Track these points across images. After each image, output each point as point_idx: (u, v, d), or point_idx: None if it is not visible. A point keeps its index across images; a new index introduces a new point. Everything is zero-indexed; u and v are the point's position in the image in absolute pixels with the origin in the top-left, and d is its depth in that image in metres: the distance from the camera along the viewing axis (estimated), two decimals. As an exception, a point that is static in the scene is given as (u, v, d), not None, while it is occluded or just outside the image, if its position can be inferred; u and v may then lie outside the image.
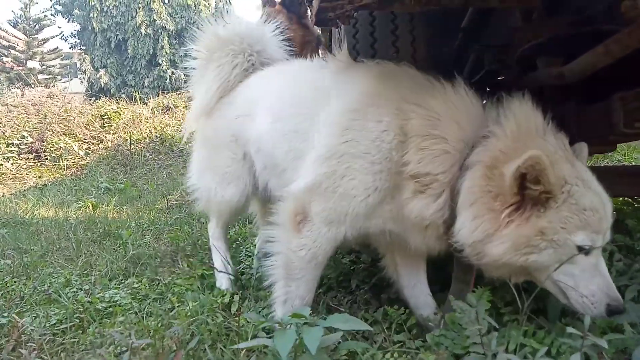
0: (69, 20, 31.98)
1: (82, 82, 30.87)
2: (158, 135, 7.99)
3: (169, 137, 8.25)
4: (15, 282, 2.40)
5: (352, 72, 1.71)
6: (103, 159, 6.70)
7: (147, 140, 7.75)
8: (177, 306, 1.96)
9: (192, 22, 32.04)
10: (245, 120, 2.01)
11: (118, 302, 2.10)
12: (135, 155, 6.94)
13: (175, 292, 2.23)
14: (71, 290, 2.25)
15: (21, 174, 6.25)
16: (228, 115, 2.11)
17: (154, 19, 31.53)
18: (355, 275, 2.17)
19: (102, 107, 8.50)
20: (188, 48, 2.37)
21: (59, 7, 30.43)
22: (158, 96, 14.62)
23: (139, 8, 31.03)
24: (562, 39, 1.94)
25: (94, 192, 5.20)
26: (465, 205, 1.38)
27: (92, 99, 11.34)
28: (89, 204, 4.43)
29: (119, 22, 31.91)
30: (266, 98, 1.94)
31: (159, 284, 2.41)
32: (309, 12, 3.72)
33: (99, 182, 5.66)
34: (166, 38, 32.29)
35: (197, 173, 2.34)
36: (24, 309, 2.02)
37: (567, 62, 2.06)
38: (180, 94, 14.55)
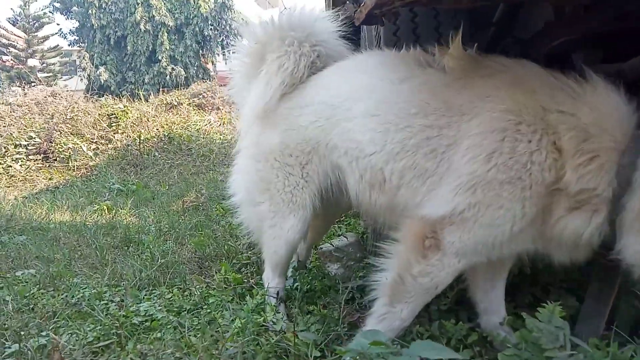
0: (67, 17, 31.68)
1: (81, 79, 30.69)
2: (166, 134, 7.89)
3: (177, 135, 8.15)
4: (42, 293, 2.32)
5: (480, 79, 1.49)
6: (112, 159, 6.60)
7: (155, 139, 7.64)
8: (219, 321, 1.87)
9: (191, 17, 31.90)
10: (326, 126, 1.70)
11: (154, 316, 2.01)
12: (144, 155, 6.84)
13: (211, 303, 2.15)
14: (102, 303, 2.16)
15: (31, 176, 6.15)
16: (298, 122, 1.78)
17: (153, 15, 31.29)
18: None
19: (109, 106, 8.39)
20: (233, 45, 2.17)
21: (57, 4, 30.14)
22: (159, 93, 14.51)
23: (138, 4, 30.71)
24: (600, 35, 1.85)
25: (107, 194, 5.10)
26: (631, 225, 1.25)
27: (95, 96, 11.19)
28: (104, 207, 4.33)
29: (117, 19, 31.64)
30: (360, 101, 1.64)
31: (190, 294, 2.32)
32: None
33: (110, 183, 5.57)
34: (165, 34, 32.02)
35: (244, 193, 2.00)
36: (59, 325, 1.93)
37: (606, 58, 1.98)
38: (184, 91, 14.52)
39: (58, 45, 27.65)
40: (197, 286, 2.40)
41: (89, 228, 3.58)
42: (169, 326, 1.91)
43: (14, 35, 21.70)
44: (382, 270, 1.54)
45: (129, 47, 32.26)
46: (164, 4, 31.44)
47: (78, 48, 32.11)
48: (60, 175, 6.21)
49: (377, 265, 1.56)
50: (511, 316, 1.64)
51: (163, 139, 7.72)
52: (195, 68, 33.28)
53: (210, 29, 33.03)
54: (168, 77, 31.83)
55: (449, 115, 1.47)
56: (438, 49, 1.60)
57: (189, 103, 12.97)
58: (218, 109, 12.83)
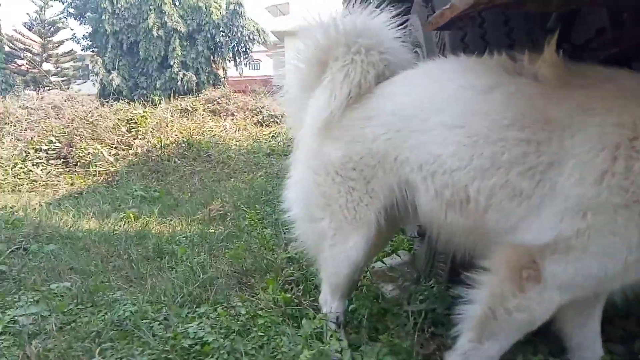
0: (80, 22, 31.98)
1: (94, 84, 30.90)
2: (185, 140, 7.80)
3: (195, 142, 8.06)
4: (81, 309, 2.20)
5: (581, 89, 1.36)
6: (133, 165, 6.51)
7: (173, 145, 7.55)
8: (282, 347, 1.73)
9: (203, 24, 32.07)
10: (396, 139, 1.57)
11: (204, 339, 1.87)
12: (164, 161, 6.75)
13: (260, 325, 2.01)
14: (145, 322, 2.04)
15: (52, 181, 6.07)
16: (363, 135, 1.64)
17: (165, 21, 31.53)
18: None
19: (127, 111, 8.34)
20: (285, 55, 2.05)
21: (71, 10, 30.39)
22: (170, 99, 14.50)
23: (151, 10, 31.01)
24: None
25: (130, 201, 4.99)
26: None
27: (112, 101, 11.16)
28: (130, 215, 4.22)
29: (130, 25, 31.90)
30: (439, 111, 1.50)
31: (236, 313, 2.19)
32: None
33: (133, 190, 5.47)
34: (177, 40, 32.26)
35: (301, 208, 1.85)
36: (104, 347, 1.80)
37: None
38: (198, 96, 14.50)
39: (72, 50, 27.88)
40: (241, 305, 2.26)
41: (119, 237, 3.47)
42: (222, 351, 1.78)
43: (30, 39, 21.87)
44: (469, 302, 1.39)
45: (141, 53, 32.53)
46: (177, 10, 31.71)
47: (91, 53, 32.41)
48: (81, 180, 6.13)
49: (462, 295, 1.41)
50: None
51: (182, 145, 7.63)
52: (207, 74, 33.48)
53: (222, 35, 33.24)
54: (179, 82, 32.01)
55: (549, 130, 1.32)
56: (528, 56, 1.46)
57: (204, 109, 12.95)
58: (232, 115, 12.78)
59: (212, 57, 33.78)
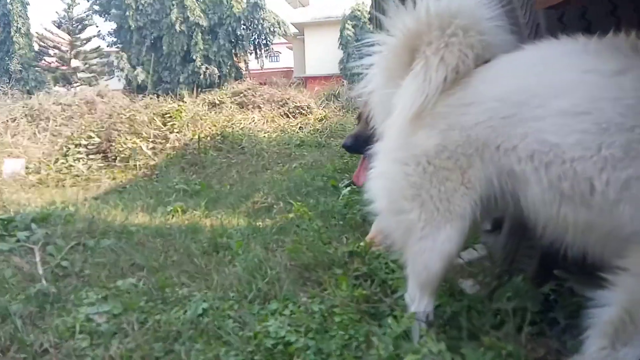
0: (105, 19, 32.40)
1: (119, 79, 31.32)
2: (219, 133, 7.79)
3: (229, 134, 8.04)
4: (151, 307, 2.15)
5: None
6: (171, 158, 6.52)
7: (208, 138, 7.55)
8: (366, 348, 1.65)
9: (224, 17, 32.09)
10: (500, 126, 1.45)
11: (286, 339, 1.80)
12: (201, 154, 6.74)
13: (339, 323, 1.93)
14: (220, 318, 1.98)
15: (94, 176, 6.12)
16: (461, 122, 1.53)
17: (188, 16, 31.68)
18: (559, 307, 1.81)
19: (158, 105, 8.36)
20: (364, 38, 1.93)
21: (97, 7, 30.77)
22: (193, 92, 14.55)
23: (173, 5, 31.23)
24: None
25: (173, 195, 4.98)
26: None
27: (139, 96, 11.21)
28: (178, 209, 4.20)
29: (153, 20, 32.20)
30: (557, 97, 1.37)
31: (307, 310, 2.12)
32: None
33: (174, 183, 5.47)
34: (199, 34, 32.43)
35: (387, 200, 1.74)
36: (187, 347, 1.75)
37: None
38: (224, 89, 14.50)
39: (99, 46, 28.27)
40: (312, 301, 2.19)
41: (172, 231, 3.44)
42: (307, 351, 1.71)
43: (59, 37, 22.22)
44: (600, 305, 1.27)
45: (164, 48, 32.86)
46: (198, 4, 31.83)
47: (116, 49, 32.83)
48: (123, 174, 6.17)
49: (593, 298, 1.30)
50: None
51: (216, 137, 7.62)
52: (228, 67, 33.68)
53: (243, 28, 33.29)
54: (202, 76, 32.31)
55: None
56: None
57: (231, 102, 12.97)
58: (259, 107, 12.76)
59: (233, 50, 33.90)
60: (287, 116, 12.45)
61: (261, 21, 33.15)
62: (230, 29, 32.66)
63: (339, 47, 30.74)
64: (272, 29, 33.69)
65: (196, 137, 6.90)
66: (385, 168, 1.77)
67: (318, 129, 10.55)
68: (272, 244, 3.18)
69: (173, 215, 4.12)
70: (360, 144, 3.26)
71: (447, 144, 1.57)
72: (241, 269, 2.66)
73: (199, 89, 19.53)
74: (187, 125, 7.42)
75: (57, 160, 6.41)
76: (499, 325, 1.80)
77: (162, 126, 7.25)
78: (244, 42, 33.84)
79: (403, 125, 1.66)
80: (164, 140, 6.93)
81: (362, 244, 2.81)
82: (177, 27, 32.04)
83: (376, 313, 2.02)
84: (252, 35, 33.73)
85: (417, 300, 1.73)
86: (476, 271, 2.14)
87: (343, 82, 19.87)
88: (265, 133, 9.69)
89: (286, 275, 2.52)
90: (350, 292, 2.13)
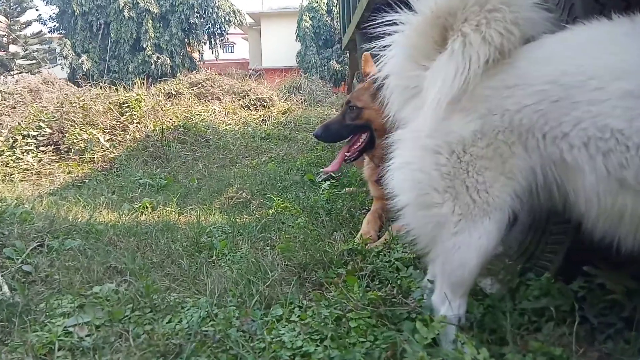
0: (47, 2, 30.47)
1: (62, 68, 29.52)
2: (181, 125, 7.39)
3: (192, 126, 7.66)
4: (139, 316, 1.90)
5: None
6: (132, 151, 6.09)
7: (171, 129, 7.15)
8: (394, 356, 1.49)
9: (177, 4, 30.91)
10: (550, 110, 1.34)
11: (304, 349, 1.62)
12: (164, 146, 6.35)
13: (355, 329, 1.77)
14: (223, 327, 1.76)
15: (46, 170, 5.60)
16: (504, 106, 1.41)
17: (137, 2, 30.30)
18: (590, 305, 1.73)
19: (116, 94, 7.84)
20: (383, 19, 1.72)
21: (37, -12, 28.82)
22: (144, 82, 13.92)
23: (121, -10, 29.83)
24: None
25: (139, 190, 4.64)
26: None
27: (87, 85, 10.52)
28: (147, 205, 3.89)
29: (100, 5, 30.58)
30: (619, 79, 1.26)
31: (316, 315, 1.94)
32: None
33: (137, 177, 5.10)
34: (150, 22, 31.14)
35: (414, 192, 1.58)
36: (194, 364, 1.53)
37: None
38: (182, 79, 13.93)
39: (41, 31, 26.49)
40: (318, 304, 2.02)
41: (145, 230, 3.15)
42: (329, 363, 1.53)
43: (-4, 19, 20.62)
44: None
45: (112, 35, 31.39)
46: (149, -10, 30.52)
47: (58, 35, 30.93)
48: (79, 168, 5.68)
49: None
50: None
51: (178, 129, 7.22)
52: (181, 57, 32.63)
53: (196, 17, 32.30)
54: (153, 66, 31.14)
55: None
56: None
57: (190, 92, 12.48)
58: (219, 99, 12.36)
59: (186, 40, 32.80)
60: (249, 108, 12.12)
61: (216, 10, 32.27)
62: (183, 16, 31.59)
63: (296, 39, 30.43)
64: (227, 18, 32.91)
65: (158, 128, 6.49)
66: (412, 157, 1.60)
67: (282, 122, 10.30)
68: (258, 243, 2.97)
69: (142, 212, 3.80)
70: (331, 134, 3.21)
71: (486, 130, 1.45)
72: (231, 270, 2.44)
73: (150, 80, 18.69)
74: (148, 116, 6.98)
75: (2, 152, 5.84)
76: (528, 326, 1.70)
77: (120, 116, 6.78)
78: (198, 31, 32.88)
79: (436, 110, 1.50)
80: (122, 132, 6.48)
81: (358, 241, 2.66)
82: (125, 13, 30.67)
83: (392, 316, 1.87)
84: (206, 24, 32.80)
85: (449, 302, 1.60)
86: (495, 269, 2.03)
87: (301, 74, 19.62)
88: (227, 125, 9.35)
89: (285, 277, 2.32)
90: (362, 294, 1.97)
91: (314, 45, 30.05)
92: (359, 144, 3.20)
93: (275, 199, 3.92)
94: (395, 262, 2.37)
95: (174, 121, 7.40)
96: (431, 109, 1.51)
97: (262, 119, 10.87)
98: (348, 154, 3.22)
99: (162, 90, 12.11)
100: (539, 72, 1.40)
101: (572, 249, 1.86)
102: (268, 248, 2.86)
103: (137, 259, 2.55)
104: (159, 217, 3.64)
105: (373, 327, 1.80)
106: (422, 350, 1.52)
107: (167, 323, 1.84)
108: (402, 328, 1.78)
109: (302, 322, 1.85)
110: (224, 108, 11.40)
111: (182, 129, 7.18)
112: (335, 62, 28.96)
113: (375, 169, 3.41)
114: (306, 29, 30.09)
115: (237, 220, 3.55)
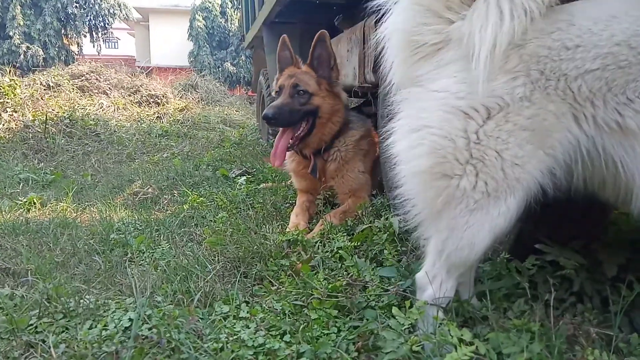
0: None
1: None
2: (67, 117, 6.57)
3: (79, 119, 6.85)
4: (49, 324, 1.53)
5: None
6: (8, 143, 5.22)
7: (54, 121, 6.30)
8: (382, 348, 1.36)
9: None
10: (616, 76, 1.20)
11: (267, 346, 1.41)
12: (48, 139, 5.55)
13: (316, 321, 1.60)
14: (163, 329, 1.47)
15: None
16: (559, 69, 1.25)
17: (2, -16, 26.90)
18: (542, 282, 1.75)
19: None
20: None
21: None
22: (9, 73, 12.36)
23: (-16, -31, 26.33)
24: None
25: (20, 186, 3.96)
26: None
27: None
28: (35, 201, 3.31)
29: (-43, -15, 26.57)
30: None
31: (264, 308, 1.74)
32: (340, 78, 3.18)
33: (16, 172, 4.37)
34: (18, 7, 27.86)
35: (430, 159, 1.37)
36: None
37: None
38: (62, 71, 12.53)
39: None
40: (268, 299, 1.82)
41: (38, 228, 2.65)
42: (302, 359, 1.35)
43: None
44: None
45: (-29, 19, 27.46)
46: (18, -28, 27.42)
47: None
48: (-61, 161, 4.72)
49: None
50: None
51: (64, 121, 6.40)
52: (57, 49, 29.58)
53: (75, 6, 29.58)
54: (22, 56, 27.87)
55: None
56: None
57: (72, 85, 11.26)
58: (105, 93, 11.33)
59: (63, 31, 29.83)
60: (141, 105, 11.27)
61: (98, 1, 29.80)
62: (59, 5, 28.67)
63: (188, 39, 29.22)
64: (111, 11, 30.56)
65: (39, 119, 5.67)
66: (433, 120, 1.38)
67: (179, 120, 9.73)
68: (180, 238, 2.66)
69: (29, 209, 3.23)
70: (284, 117, 2.95)
71: (537, 97, 1.27)
72: (155, 268, 2.12)
73: (19, 72, 16.51)
74: (25, 105, 6.08)
75: None
76: (495, 306, 1.67)
77: (-10, 104, 5.82)
78: (77, 22, 30.06)
79: (480, 68, 1.29)
80: (-6, 121, 5.55)
81: (296, 232, 2.49)
82: (-12, -4, 27.00)
83: (351, 305, 1.73)
84: (87, 16, 30.13)
85: (441, 283, 1.46)
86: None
87: (195, 75, 18.80)
88: (117, 121, 8.57)
89: (220, 272, 2.07)
90: (324, 284, 1.81)
91: (207, 45, 29.09)
92: (299, 131, 3.01)
93: (190, 193, 3.59)
94: (339, 252, 2.25)
95: (58, 112, 6.54)
96: (476, 59, 1.30)
97: (157, 116, 10.18)
98: (292, 141, 3.01)
99: (37, 81, 10.76)
100: (606, 32, 1.24)
101: (521, 229, 1.90)
102: (191, 243, 2.57)
103: (37, 259, 2.10)
104: (52, 214, 3.11)
105: (335, 318, 1.65)
106: (396, 336, 1.41)
107: (89, 329, 1.50)
108: (365, 317, 1.67)
109: (255, 317, 1.63)
110: (112, 103, 10.46)
111: (68, 121, 6.37)
112: (230, 64, 28.31)
113: (302, 161, 3.27)
114: (199, 29, 29.03)
115: (149, 216, 3.17)
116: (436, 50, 1.41)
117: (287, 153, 3.42)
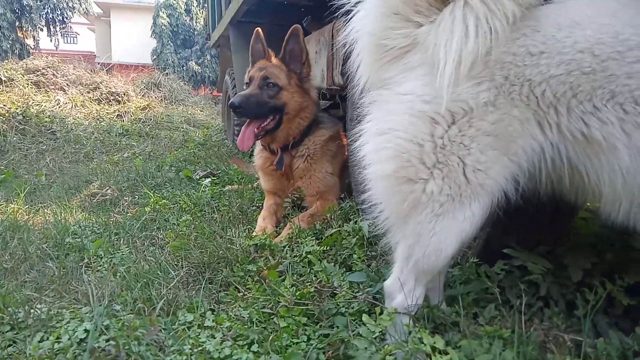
0: None
1: None
2: (20, 113, 6.24)
3: (33, 115, 6.53)
4: (13, 342, 1.41)
5: None
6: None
7: (6, 117, 5.97)
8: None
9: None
10: (581, 82, 1.19)
11: (234, 356, 1.34)
12: (-1, 136, 5.26)
13: (286, 328, 1.55)
14: (122, 340, 1.38)
15: None
16: (523, 75, 1.24)
17: (-48, -30, 25.46)
18: (509, 286, 1.76)
19: None
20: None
21: None
22: None
23: None
24: None
25: (-34, 185, 3.72)
26: None
27: None
28: (-19, 202, 3.11)
29: None
30: None
31: (231, 317, 1.67)
32: (311, 75, 3.16)
33: (-39, 170, 4.10)
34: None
35: (395, 163, 1.35)
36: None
37: None
38: (15, 64, 11.95)
39: None
40: (234, 306, 1.75)
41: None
42: (270, 370, 1.29)
43: None
44: None
45: None
46: (-32, -41, 26.13)
47: None
48: None
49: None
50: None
51: (16, 118, 6.08)
52: (11, 42, 28.27)
53: (32, -2, 28.41)
54: (-25, 49, 26.46)
55: None
56: None
57: (26, 80, 10.74)
58: (63, 89, 10.88)
59: (17, 23, 28.53)
60: (100, 102, 10.88)
61: (55, -7, 28.68)
62: (13, -5, 27.40)
63: (151, 36, 28.49)
64: (70, 5, 29.45)
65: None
66: (399, 124, 1.36)
67: (141, 119, 9.45)
68: (140, 242, 2.54)
69: (-28, 210, 3.02)
70: (251, 108, 2.90)
71: (499, 102, 1.26)
72: (113, 274, 2.01)
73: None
74: (-28, 99, 5.73)
75: None
76: (465, 311, 1.66)
77: None
78: (33, 15, 28.80)
79: (445, 74, 1.27)
80: None
81: (263, 236, 2.42)
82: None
83: (320, 313, 1.69)
84: (44, 8, 28.94)
85: (410, 290, 1.43)
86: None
87: (158, 73, 18.33)
88: (74, 119, 8.22)
89: (184, 278, 1.99)
90: (292, 291, 1.76)
91: (171, 44, 28.45)
92: (266, 123, 2.96)
93: (152, 195, 3.46)
94: (308, 256, 2.20)
95: (10, 108, 6.21)
96: (441, 72, 1.28)
97: (118, 114, 9.85)
98: (257, 131, 2.95)
99: (-14, 75, 10.20)
100: (569, 39, 1.23)
101: (490, 234, 1.91)
102: (153, 248, 2.46)
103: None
104: (1, 216, 2.92)
105: (304, 326, 1.60)
106: (367, 344, 1.37)
107: (39, 342, 1.39)
108: (335, 324, 1.63)
109: (221, 326, 1.56)
110: (70, 100, 10.04)
111: (22, 118, 6.05)
112: (194, 63, 27.80)
113: (270, 157, 3.20)
114: (163, 26, 28.35)
115: (107, 219, 3.02)
116: (404, 52, 1.39)
117: (256, 149, 3.36)
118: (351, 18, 1.50)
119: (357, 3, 1.47)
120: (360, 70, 1.51)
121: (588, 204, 1.82)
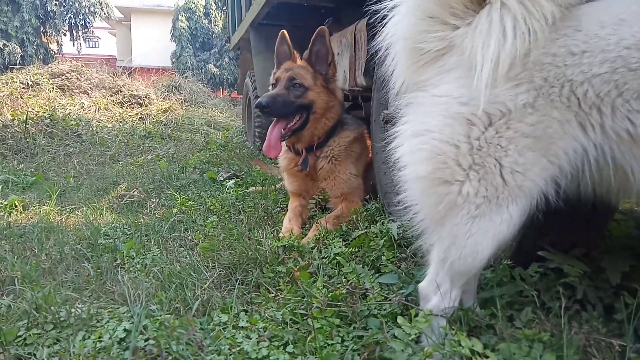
0: None
1: None
2: (48, 116, 6.39)
3: (59, 119, 6.68)
4: (39, 335, 1.45)
5: None
6: (-16, 142, 5.05)
7: (35, 121, 6.12)
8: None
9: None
10: (627, 81, 1.16)
11: (270, 357, 1.36)
12: (28, 139, 5.39)
13: (320, 330, 1.56)
14: (163, 340, 1.41)
15: None
16: (564, 75, 1.22)
17: (-22, -21, 26.21)
18: (545, 289, 1.74)
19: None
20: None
21: None
22: None
23: (-42, -36, 25.65)
24: None
25: (1, 188, 3.82)
26: None
27: None
28: (17, 204, 3.19)
29: None
30: None
31: (264, 317, 1.68)
32: (337, 75, 3.17)
33: (-6, 173, 4.22)
34: (-6, 3, 27.15)
35: (431, 164, 1.34)
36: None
37: None
38: (41, 69, 12.24)
39: None
40: (267, 307, 1.77)
41: (21, 232, 2.54)
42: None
43: None
44: None
45: (-55, 14, 26.74)
46: (-5, -32, 26.84)
47: None
48: None
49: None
50: None
51: (44, 121, 6.22)
52: (35, 47, 28.96)
53: (55, 4, 29.02)
54: (-1, 55, 27.16)
55: None
56: None
57: (51, 84, 10.99)
58: (86, 93, 11.10)
59: (42, 29, 29.21)
60: (123, 105, 11.07)
61: (78, -1, 29.27)
62: (38, 2, 28.06)
63: (171, 39, 28.88)
64: (92, 10, 30.05)
65: (19, 118, 5.50)
66: (435, 125, 1.35)
67: (162, 121, 9.57)
68: (170, 243, 2.58)
69: (10, 212, 3.11)
70: (278, 107, 2.93)
71: (540, 104, 1.24)
72: (146, 274, 2.05)
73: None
74: (4, 104, 5.89)
75: None
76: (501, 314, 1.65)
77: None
78: (57, 20, 29.46)
79: (483, 76, 1.26)
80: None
81: (291, 238, 2.43)
82: (-36, -9, 26.31)
83: (353, 314, 1.69)
84: (67, 14, 29.56)
85: (446, 292, 1.43)
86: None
87: (178, 76, 18.56)
88: (98, 122, 8.38)
89: (216, 279, 2.01)
90: (325, 292, 1.77)
91: (190, 46, 28.80)
92: (292, 123, 2.99)
93: (178, 196, 3.51)
94: (337, 258, 2.20)
95: (38, 112, 6.36)
96: (478, 74, 1.27)
97: (140, 117, 10.01)
98: (284, 132, 2.98)
99: (15, 80, 10.47)
100: (614, 37, 1.20)
101: (523, 236, 1.89)
102: (183, 249, 2.50)
103: (23, 265, 2.01)
104: (35, 218, 2.99)
105: (338, 327, 1.61)
106: (403, 347, 1.37)
107: (82, 340, 1.43)
108: (368, 326, 1.63)
109: (256, 327, 1.58)
110: (94, 103, 10.25)
111: (49, 121, 6.20)
112: (213, 66, 28.08)
113: (294, 158, 3.22)
114: (182, 30, 28.72)
115: (136, 220, 3.08)
116: (440, 55, 1.39)
117: (281, 150, 3.37)
118: (376, 19, 1.50)
119: (392, 8, 1.47)
120: (396, 73, 1.51)
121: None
